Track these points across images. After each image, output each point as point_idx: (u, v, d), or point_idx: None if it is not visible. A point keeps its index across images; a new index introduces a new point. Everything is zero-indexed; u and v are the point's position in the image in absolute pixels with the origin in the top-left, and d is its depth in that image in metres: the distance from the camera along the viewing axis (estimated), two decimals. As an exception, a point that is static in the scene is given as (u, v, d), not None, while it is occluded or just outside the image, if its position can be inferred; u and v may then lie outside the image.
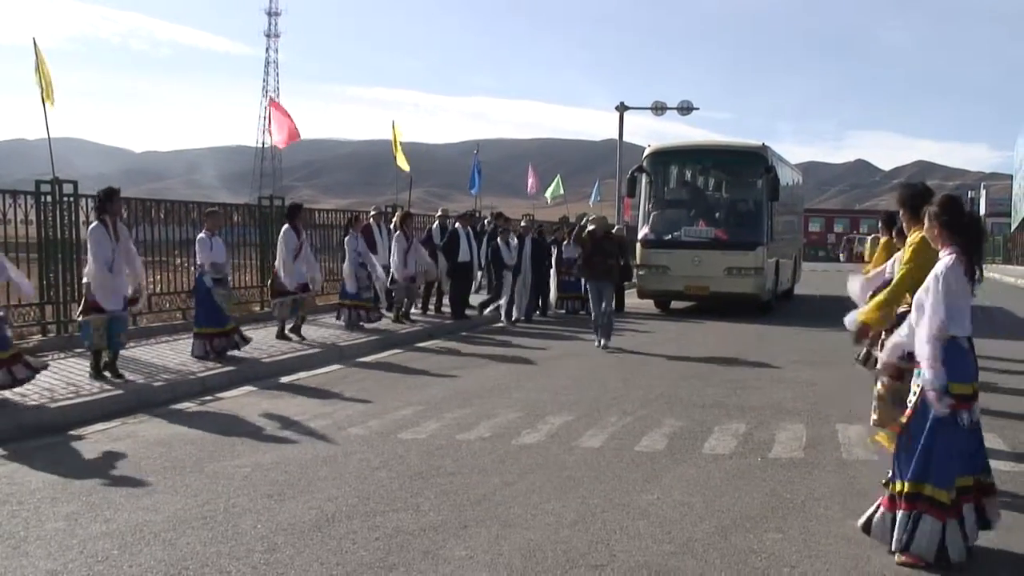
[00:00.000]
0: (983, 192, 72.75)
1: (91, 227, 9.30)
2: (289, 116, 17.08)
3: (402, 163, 20.43)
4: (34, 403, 7.97)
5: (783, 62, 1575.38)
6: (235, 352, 10.76)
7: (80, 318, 9.36)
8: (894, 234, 7.47)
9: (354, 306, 14.00)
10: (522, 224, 18.41)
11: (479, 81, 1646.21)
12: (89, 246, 9.18)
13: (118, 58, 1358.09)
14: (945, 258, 4.64)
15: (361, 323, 13.88)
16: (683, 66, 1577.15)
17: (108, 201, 9.21)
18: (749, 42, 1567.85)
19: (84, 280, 9.48)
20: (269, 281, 12.73)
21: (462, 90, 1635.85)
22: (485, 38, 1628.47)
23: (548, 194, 35.18)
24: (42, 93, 11.88)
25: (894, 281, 5.80)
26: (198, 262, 10.98)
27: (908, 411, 4.78)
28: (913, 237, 5.73)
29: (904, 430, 4.75)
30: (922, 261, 5.32)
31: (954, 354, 4.59)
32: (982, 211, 47.71)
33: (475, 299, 17.34)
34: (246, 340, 10.96)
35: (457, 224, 16.97)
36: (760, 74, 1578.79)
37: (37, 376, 8.25)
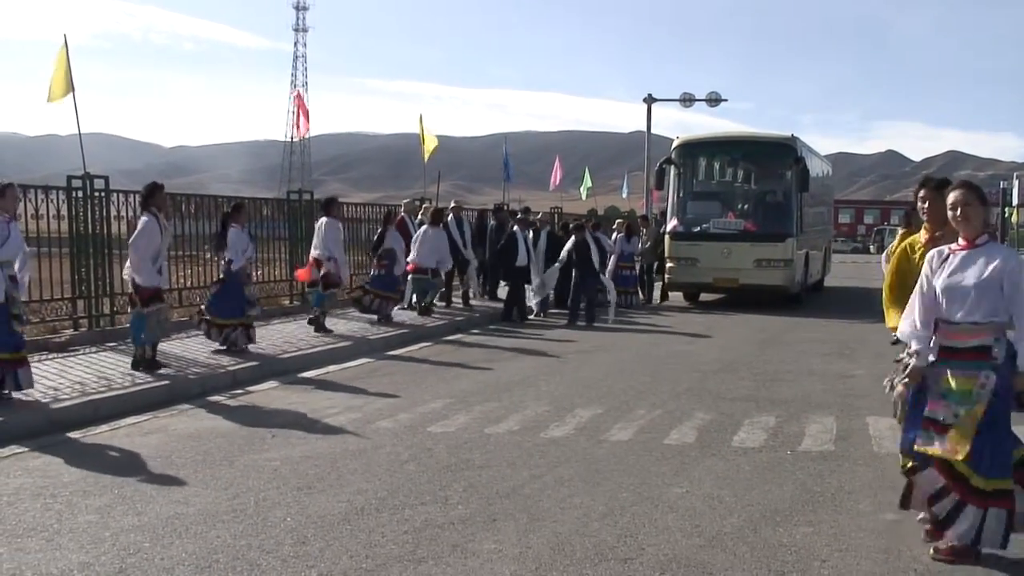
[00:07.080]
0: (1015, 182, 71.61)
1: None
2: (303, 111, 18.16)
3: (430, 143, 20.93)
4: (66, 397, 8.06)
5: (803, 51, 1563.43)
6: (260, 347, 10.82)
7: (140, 310, 9.25)
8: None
9: (384, 297, 13.97)
10: (539, 217, 18.48)
11: (499, 73, 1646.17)
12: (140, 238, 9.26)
13: (141, 53, 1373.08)
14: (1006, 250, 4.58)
15: (378, 312, 13.85)
16: (702, 54, 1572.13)
17: (150, 196, 9.43)
18: (768, 30, 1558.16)
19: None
20: (321, 274, 12.72)
21: (483, 82, 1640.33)
22: (502, 29, 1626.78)
23: (583, 191, 36.04)
24: (50, 89, 11.95)
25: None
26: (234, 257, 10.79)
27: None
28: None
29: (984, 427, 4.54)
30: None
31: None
32: (1015, 201, 46.96)
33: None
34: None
35: (516, 227, 16.65)
36: (780, 63, 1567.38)
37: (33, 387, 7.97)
